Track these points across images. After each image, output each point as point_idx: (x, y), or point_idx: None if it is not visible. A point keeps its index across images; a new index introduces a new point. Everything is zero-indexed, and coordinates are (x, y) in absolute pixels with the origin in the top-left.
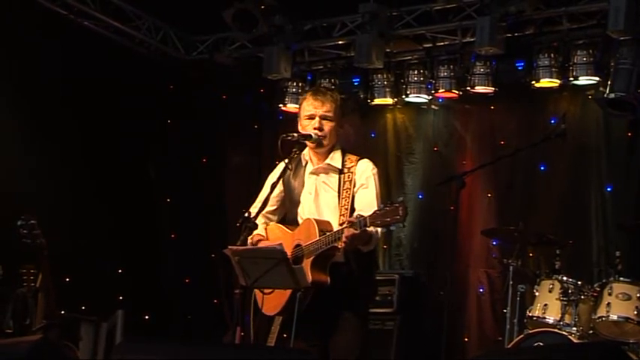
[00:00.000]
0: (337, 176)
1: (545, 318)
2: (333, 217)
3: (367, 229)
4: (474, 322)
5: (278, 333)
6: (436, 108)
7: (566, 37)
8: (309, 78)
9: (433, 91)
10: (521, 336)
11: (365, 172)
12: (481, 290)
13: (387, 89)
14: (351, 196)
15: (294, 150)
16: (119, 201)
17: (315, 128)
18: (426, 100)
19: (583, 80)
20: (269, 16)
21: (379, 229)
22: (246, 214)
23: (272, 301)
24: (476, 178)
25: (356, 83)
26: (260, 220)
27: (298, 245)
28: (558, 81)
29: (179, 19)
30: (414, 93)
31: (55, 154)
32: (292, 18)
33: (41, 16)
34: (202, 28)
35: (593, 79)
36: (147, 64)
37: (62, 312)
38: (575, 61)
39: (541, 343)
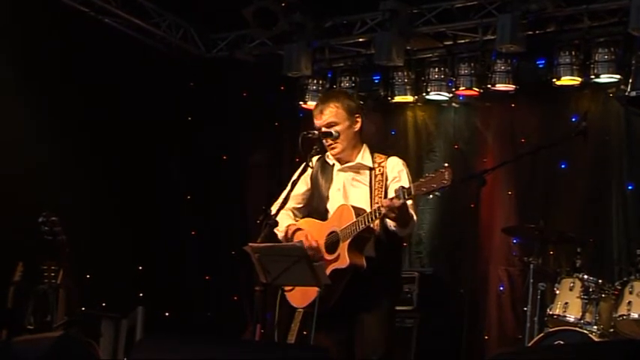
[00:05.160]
0: (368, 172)
1: (565, 316)
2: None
3: (408, 203)
4: (494, 321)
5: (298, 330)
6: (457, 106)
7: (588, 34)
8: (329, 75)
9: (454, 89)
10: (542, 334)
11: (396, 166)
12: (501, 288)
13: (408, 87)
14: (384, 187)
15: (314, 147)
16: (140, 198)
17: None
18: (447, 98)
19: (604, 78)
20: (289, 14)
21: (415, 216)
22: (267, 211)
23: (300, 293)
24: (496, 176)
25: (376, 81)
26: (289, 215)
27: (333, 232)
28: (579, 79)
29: (199, 17)
30: (434, 91)
31: (75, 153)
32: (313, 15)
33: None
34: (222, 26)
35: (614, 77)
36: (167, 62)
37: (83, 309)
38: (597, 58)
39: (561, 342)
